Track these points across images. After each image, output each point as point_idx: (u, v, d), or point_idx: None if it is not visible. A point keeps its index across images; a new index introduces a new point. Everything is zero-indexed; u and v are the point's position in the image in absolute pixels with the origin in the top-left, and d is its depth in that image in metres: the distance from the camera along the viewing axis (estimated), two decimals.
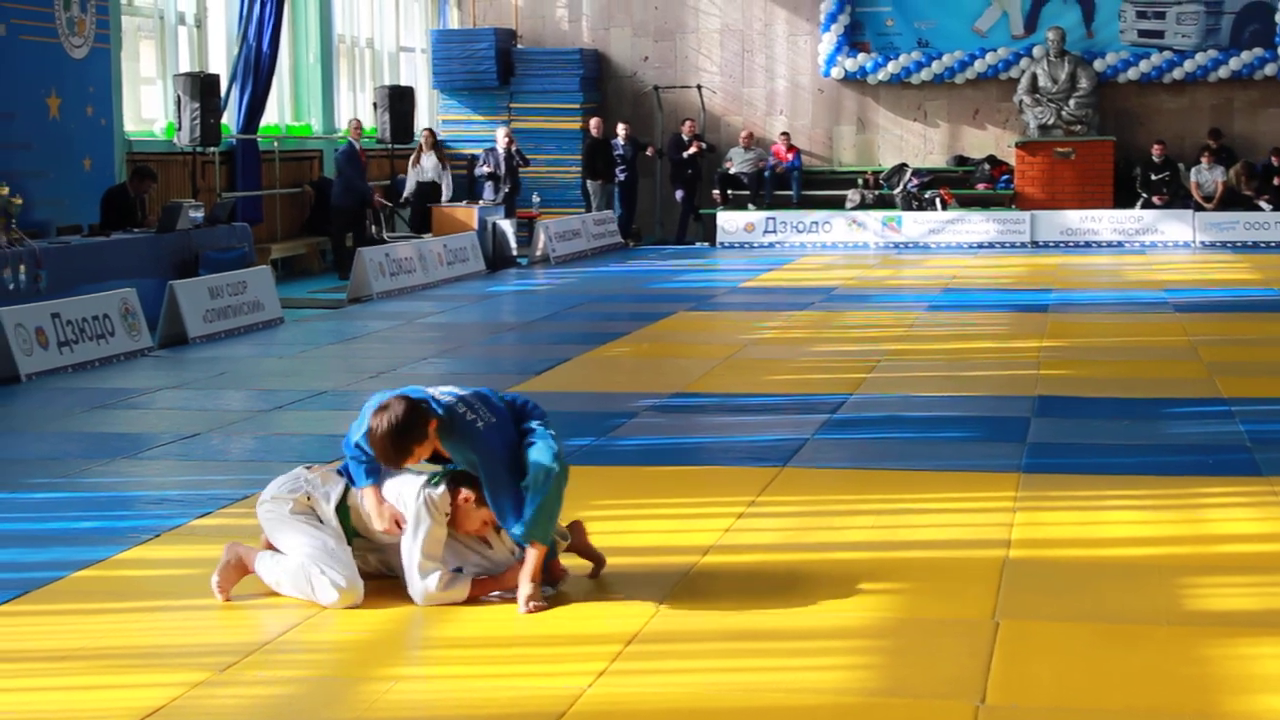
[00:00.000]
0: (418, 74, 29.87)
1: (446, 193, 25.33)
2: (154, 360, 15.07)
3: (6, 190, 15.35)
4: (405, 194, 25.58)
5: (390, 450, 6.80)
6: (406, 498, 6.92)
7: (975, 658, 6.20)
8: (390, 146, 25.32)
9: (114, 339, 14.86)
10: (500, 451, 6.85)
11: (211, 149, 21.50)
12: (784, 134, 29.38)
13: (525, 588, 6.85)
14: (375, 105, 25.76)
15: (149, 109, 22.10)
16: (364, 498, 7.00)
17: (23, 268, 15.24)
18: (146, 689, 5.95)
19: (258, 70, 22.91)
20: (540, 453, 6.88)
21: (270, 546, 7.16)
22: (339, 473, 7.16)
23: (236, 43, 22.95)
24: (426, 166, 25.21)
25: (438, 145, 25.78)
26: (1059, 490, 9.07)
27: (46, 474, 9.91)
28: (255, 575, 7.10)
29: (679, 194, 28.79)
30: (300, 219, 24.59)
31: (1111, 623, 6.68)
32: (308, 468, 7.27)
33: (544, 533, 6.87)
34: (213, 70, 22.26)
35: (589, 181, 28.27)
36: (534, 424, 7.06)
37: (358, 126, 23.65)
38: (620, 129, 28.31)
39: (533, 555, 6.88)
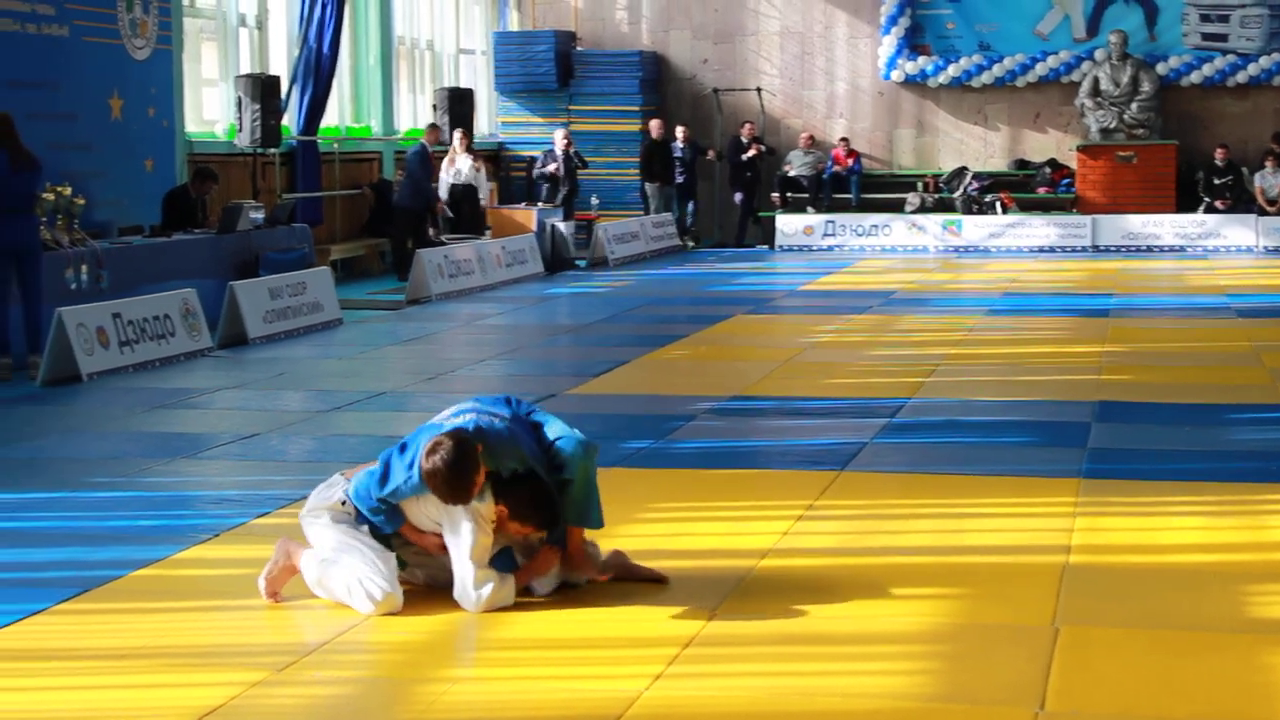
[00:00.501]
0: (477, 76, 29.93)
1: (484, 196, 24.67)
2: (214, 360, 15.14)
3: (69, 191, 15.44)
4: (443, 197, 25.04)
5: (455, 487, 6.69)
6: (443, 514, 6.89)
7: (1035, 664, 6.16)
8: (451, 148, 25.35)
9: (174, 339, 14.94)
10: (533, 446, 6.93)
11: (272, 150, 21.59)
12: (843, 139, 29.30)
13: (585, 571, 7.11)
14: (435, 107, 25.82)
15: (210, 110, 22.21)
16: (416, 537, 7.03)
17: (84, 268, 15.33)
18: (204, 688, 5.98)
19: (318, 72, 22.99)
20: (567, 442, 6.95)
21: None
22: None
23: (297, 44, 23.04)
24: (462, 169, 24.46)
25: (472, 147, 24.96)
26: (1120, 496, 9.01)
27: (107, 473, 9.97)
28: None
29: (738, 196, 28.76)
30: (360, 220, 24.66)
31: (1173, 629, 6.63)
32: (344, 473, 7.23)
33: (601, 515, 7.10)
34: (273, 72, 22.35)
35: (647, 184, 28.25)
36: (536, 414, 7.11)
37: (434, 129, 23.72)
38: (679, 131, 28.29)
39: (575, 537, 7.10)
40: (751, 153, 28.41)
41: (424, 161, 22.90)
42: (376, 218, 24.25)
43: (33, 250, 14.19)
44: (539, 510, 6.91)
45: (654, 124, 28.30)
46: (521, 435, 6.90)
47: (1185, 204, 27.98)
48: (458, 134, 24.41)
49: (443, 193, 24.13)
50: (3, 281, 13.98)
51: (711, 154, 28.85)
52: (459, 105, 25.64)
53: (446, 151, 24.16)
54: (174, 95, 19.62)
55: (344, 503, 7.04)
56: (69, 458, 10.56)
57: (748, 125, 28.83)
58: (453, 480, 6.66)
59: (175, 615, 6.98)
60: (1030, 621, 6.74)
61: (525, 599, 6.93)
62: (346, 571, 6.87)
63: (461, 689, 5.98)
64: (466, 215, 24.28)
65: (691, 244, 28.56)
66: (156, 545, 8.10)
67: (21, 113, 14.81)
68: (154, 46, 18.98)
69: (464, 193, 24.29)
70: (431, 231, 23.69)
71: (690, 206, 28.62)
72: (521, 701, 5.87)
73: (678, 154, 28.16)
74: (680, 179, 28.30)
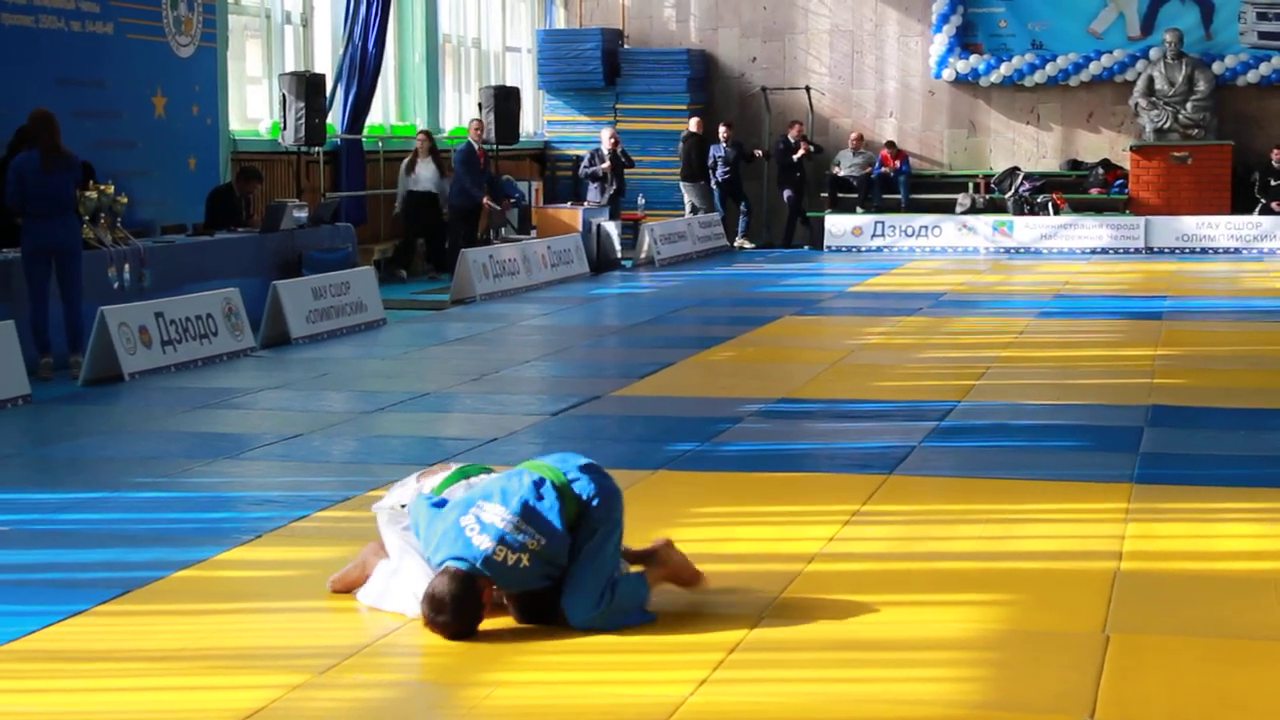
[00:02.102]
0: (523, 74, 29.97)
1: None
2: (256, 360, 15.20)
3: (112, 189, 15.52)
4: (396, 206, 23.34)
5: (459, 629, 6.47)
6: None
7: (1085, 672, 6.14)
8: (496, 147, 25.39)
9: (217, 339, 14.99)
10: (558, 549, 6.62)
11: (316, 149, 21.66)
12: (890, 142, 29.22)
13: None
14: (481, 106, 25.86)
15: (254, 108, 22.29)
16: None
17: (127, 267, 15.41)
18: (246, 690, 5.99)
19: (363, 70, 23.05)
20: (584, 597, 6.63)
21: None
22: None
23: (342, 42, 23.11)
24: (423, 175, 22.79)
25: (435, 151, 23.17)
26: (1173, 502, 8.97)
27: (148, 473, 10.01)
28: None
29: (786, 195, 28.75)
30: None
31: (1227, 638, 6.60)
32: (419, 477, 7.20)
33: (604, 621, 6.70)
34: (318, 70, 22.43)
35: (683, 183, 28.14)
36: (595, 534, 6.70)
37: (478, 127, 23.70)
38: (721, 130, 28.25)
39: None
40: (800, 153, 28.36)
41: (469, 160, 22.91)
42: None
43: (72, 251, 14.21)
44: (526, 614, 6.68)
45: (694, 121, 28.25)
46: (533, 576, 6.58)
47: (1241, 205, 27.84)
48: (419, 135, 23.14)
49: (398, 201, 23.16)
50: (41, 281, 14.04)
51: (760, 153, 28.77)
52: (505, 104, 25.67)
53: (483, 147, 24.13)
54: (218, 93, 19.70)
55: (404, 506, 7.04)
56: (110, 458, 10.61)
57: (796, 125, 28.79)
58: (454, 624, 6.45)
59: (216, 617, 7.00)
60: (1080, 629, 6.71)
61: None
62: (409, 579, 6.85)
63: (504, 693, 5.99)
64: (428, 226, 23.24)
65: (751, 245, 28.52)
66: (198, 546, 8.13)
67: (67, 110, 14.90)
68: (198, 44, 19.07)
69: (422, 200, 22.84)
70: (479, 233, 23.71)
71: (743, 206, 28.57)
72: (564, 707, 5.87)
73: (720, 153, 28.11)
74: (722, 178, 28.25)
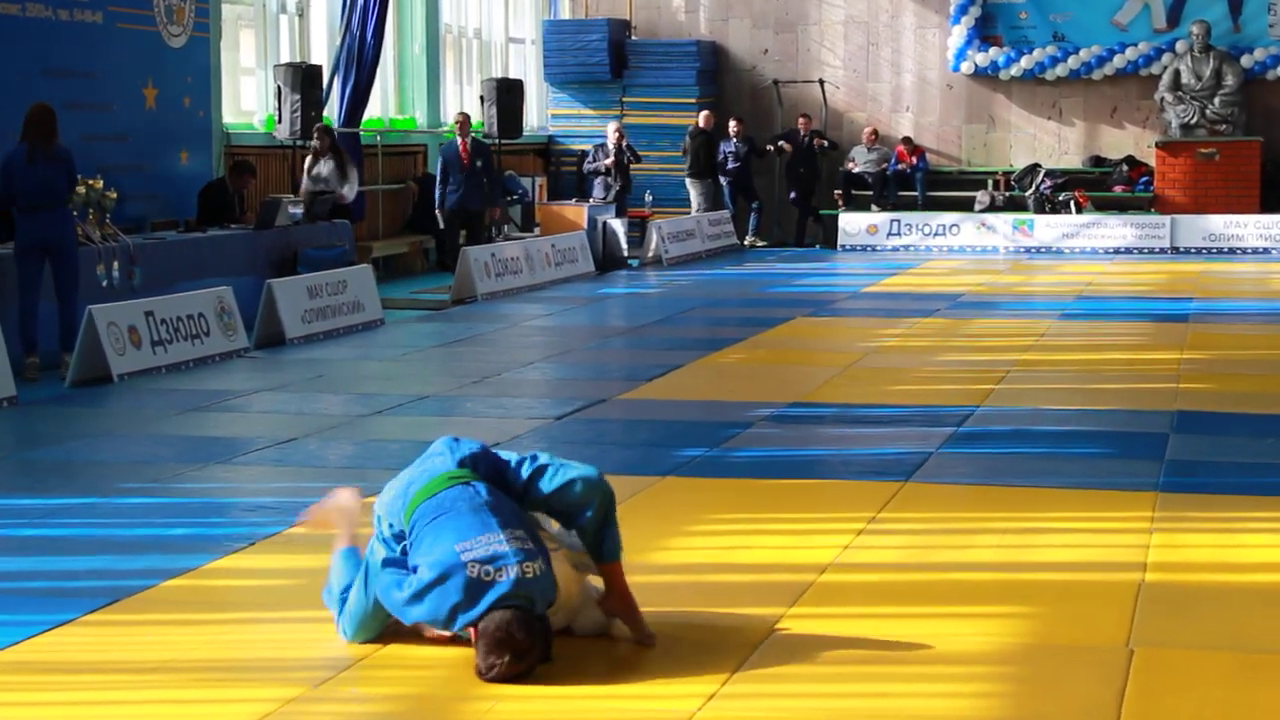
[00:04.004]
0: (527, 66, 29.98)
1: (350, 194, 20.97)
2: (250, 361, 15.21)
3: (101, 184, 15.54)
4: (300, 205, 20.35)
5: (542, 657, 6.29)
6: None
7: (1108, 687, 6.14)
8: (498, 142, 25.40)
9: (209, 339, 15.01)
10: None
11: (312, 143, 21.66)
12: (906, 138, 29.22)
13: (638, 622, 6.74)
14: (483, 99, 25.86)
15: (248, 100, 22.31)
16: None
17: (116, 264, 15.43)
18: (238, 704, 6.00)
19: (361, 61, 23.05)
20: (578, 484, 6.63)
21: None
22: None
23: (339, 32, 23.12)
24: (323, 172, 20.85)
25: (336, 147, 21.22)
26: (1199, 511, 8.97)
27: (138, 478, 10.02)
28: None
29: (792, 196, 28.74)
30: (403, 216, 24.73)
31: (1254, 652, 6.59)
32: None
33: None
34: (314, 61, 22.43)
35: (689, 179, 28.10)
36: (524, 465, 6.71)
37: (462, 121, 23.27)
38: (732, 125, 28.23)
39: (618, 574, 6.74)
40: (779, 147, 28.30)
41: (446, 159, 22.46)
42: (420, 214, 24.28)
43: (65, 246, 14.32)
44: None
45: (704, 115, 28.24)
46: (543, 544, 6.51)
47: (1270, 203, 27.82)
48: (316, 132, 21.08)
49: (301, 200, 20.70)
50: (31, 277, 14.10)
51: (787, 146, 28.58)
52: (507, 97, 25.66)
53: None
54: (211, 85, 19.72)
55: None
56: (99, 462, 10.62)
57: (803, 119, 28.76)
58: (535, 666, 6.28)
59: (208, 627, 7.00)
60: (1103, 642, 6.70)
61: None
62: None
63: (506, 707, 5.99)
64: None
65: (763, 244, 28.51)
66: (189, 554, 8.14)
67: (55, 102, 14.90)
68: (190, 34, 19.09)
69: (316, 200, 20.05)
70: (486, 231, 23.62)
71: (755, 205, 28.56)
72: (566, 718, 5.88)
73: (730, 149, 28.09)
74: (733, 175, 28.22)
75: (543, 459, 6.74)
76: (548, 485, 6.64)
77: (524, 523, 6.51)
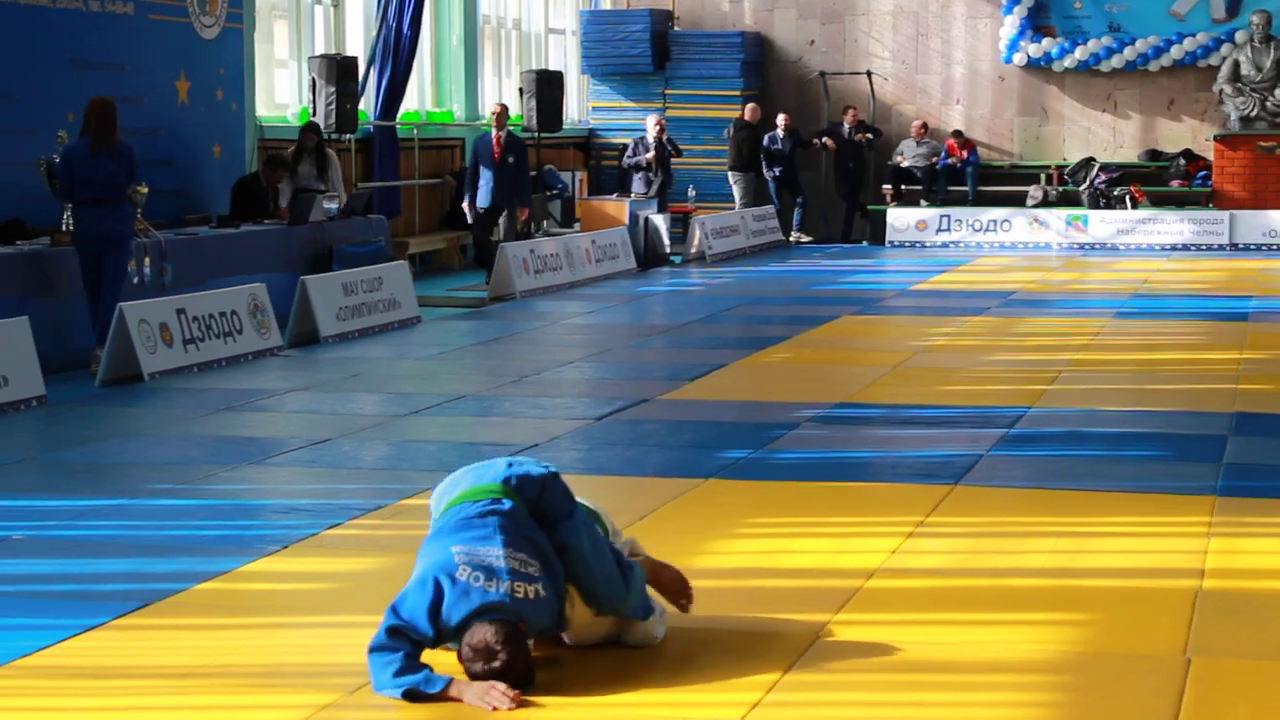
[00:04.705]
0: (567, 58, 30.01)
1: (332, 206, 19.71)
2: (283, 360, 15.25)
3: None
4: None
5: (519, 669, 6.22)
6: None
7: (1164, 697, 6.11)
8: (537, 136, 25.44)
9: (242, 337, 15.05)
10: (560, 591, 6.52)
11: (348, 136, 21.71)
12: (956, 131, 29.13)
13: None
14: (521, 91, 25.87)
15: (282, 93, 22.37)
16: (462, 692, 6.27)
17: (147, 260, 15.48)
18: (271, 710, 6.01)
19: (397, 53, 23.10)
20: (594, 581, 6.57)
21: None
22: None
23: (375, 23, 23.17)
24: (302, 172, 19.97)
25: (321, 148, 20.39)
26: (1258, 515, 8.92)
27: (169, 479, 10.05)
28: None
29: (841, 189, 28.71)
30: (440, 212, 24.77)
31: None
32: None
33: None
34: (350, 52, 22.50)
35: (732, 172, 28.06)
36: (567, 529, 6.60)
37: (499, 114, 23.01)
38: (780, 120, 28.18)
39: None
40: (823, 143, 28.28)
41: (475, 153, 21.97)
42: (458, 209, 24.30)
43: (122, 240, 14.63)
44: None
45: (750, 107, 28.18)
46: (548, 580, 6.44)
47: None
48: (303, 129, 20.50)
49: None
50: (94, 270, 14.45)
51: (831, 142, 28.55)
52: (547, 89, 25.66)
53: (517, 134, 23.86)
54: (244, 77, 19.77)
55: None
56: (129, 462, 10.66)
57: (850, 111, 28.71)
58: (519, 677, 6.22)
59: (240, 632, 7.02)
60: (1159, 651, 6.68)
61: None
62: None
63: (546, 715, 5.99)
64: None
65: (808, 239, 28.47)
66: (222, 557, 8.16)
67: (84, 95, 14.98)
68: (223, 25, 19.14)
69: (299, 199, 19.04)
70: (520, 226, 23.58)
71: (800, 200, 28.52)
72: None
73: (776, 145, 28.03)
74: (778, 170, 28.18)
75: (584, 543, 6.59)
76: (572, 570, 6.57)
77: (537, 553, 6.43)
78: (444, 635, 6.25)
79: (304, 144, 20.20)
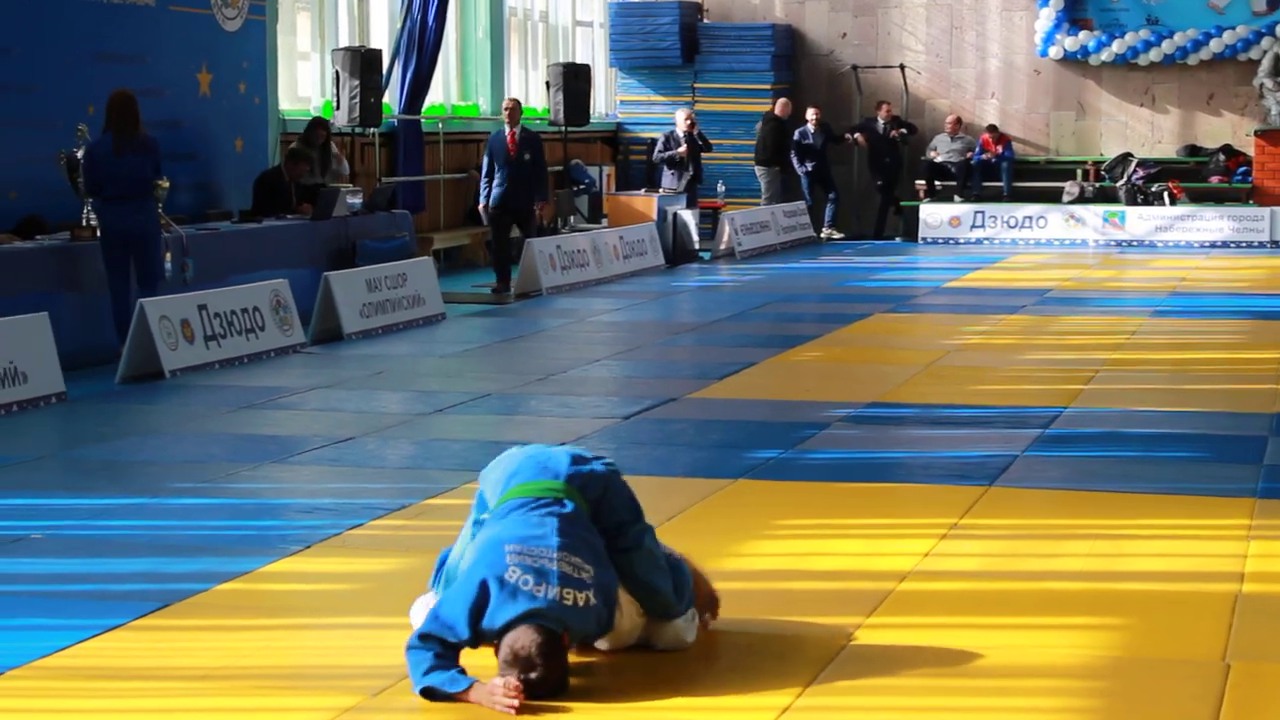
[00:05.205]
0: (595, 51, 30.01)
1: (356, 201, 19.51)
2: (306, 357, 15.26)
3: None
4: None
5: (555, 681, 6.19)
6: None
7: (1203, 703, 6.09)
8: (564, 130, 25.43)
9: (264, 333, 15.07)
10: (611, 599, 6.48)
11: (371, 130, 21.74)
12: (991, 126, 29.08)
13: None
14: (548, 84, 25.88)
15: (305, 86, 22.39)
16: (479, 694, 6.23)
17: (168, 256, 15.49)
18: (293, 713, 6.01)
19: (422, 45, 23.11)
20: (651, 582, 6.59)
21: None
22: None
23: (400, 15, 23.19)
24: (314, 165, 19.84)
25: (328, 144, 20.45)
26: None
27: (190, 478, 10.06)
28: None
29: (878, 183, 28.67)
30: (465, 207, 24.78)
31: None
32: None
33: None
34: (374, 45, 22.50)
35: (758, 167, 28.00)
36: (634, 534, 6.62)
37: (510, 109, 22.21)
38: (810, 114, 28.14)
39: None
40: (854, 139, 28.24)
41: (490, 150, 21.24)
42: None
43: (148, 237, 14.70)
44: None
45: (781, 101, 28.13)
46: (599, 588, 6.38)
47: None
48: (310, 124, 20.49)
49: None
50: (120, 267, 14.52)
51: (860, 138, 28.53)
52: (574, 82, 25.66)
53: (544, 128, 23.84)
54: (267, 70, 19.79)
55: None
56: (149, 461, 10.68)
57: (884, 105, 28.68)
58: (555, 682, 6.20)
59: (262, 633, 7.03)
60: (1198, 656, 6.66)
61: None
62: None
63: (573, 719, 5.98)
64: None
65: (840, 236, 28.44)
66: (243, 557, 8.17)
67: (104, 88, 15.02)
68: (245, 17, 19.16)
69: (307, 193, 18.95)
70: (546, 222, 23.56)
71: (831, 195, 28.48)
72: None
73: (808, 140, 27.99)
74: (810, 165, 28.13)
75: (653, 545, 6.63)
76: (635, 571, 6.54)
77: (593, 558, 6.38)
78: (484, 637, 6.21)
79: (312, 140, 20.06)
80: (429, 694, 6.11)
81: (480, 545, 6.41)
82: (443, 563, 6.82)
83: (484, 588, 6.19)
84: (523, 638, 6.12)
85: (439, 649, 6.18)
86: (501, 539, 6.33)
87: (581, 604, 6.23)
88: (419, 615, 6.70)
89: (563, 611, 6.18)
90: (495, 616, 6.17)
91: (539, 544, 6.29)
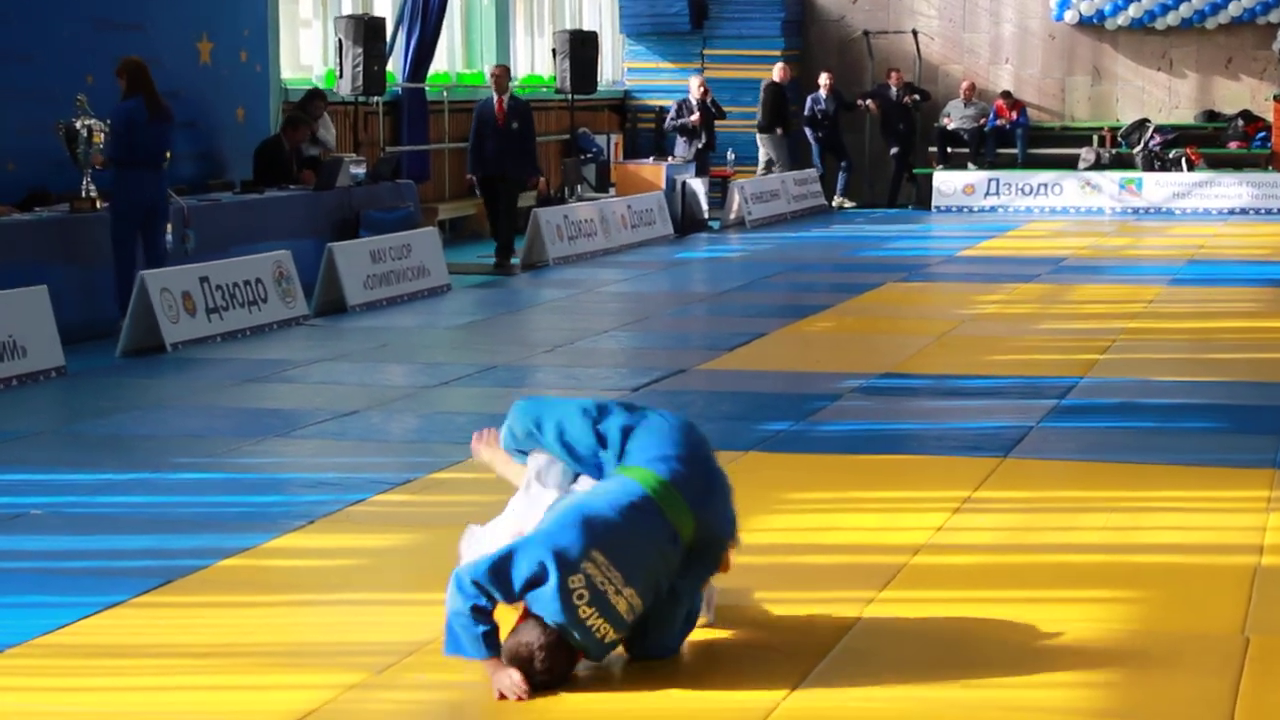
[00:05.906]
0: (602, 17, 29.93)
1: (359, 171, 19.28)
2: (309, 329, 15.26)
3: None
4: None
5: (551, 679, 6.08)
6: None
7: (1221, 677, 6.08)
8: (571, 98, 25.39)
9: (267, 306, 15.07)
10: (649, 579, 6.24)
11: (375, 99, 21.69)
12: (1005, 92, 29.00)
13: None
14: (555, 51, 25.81)
15: (307, 54, 22.36)
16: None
17: (169, 227, 15.49)
18: (297, 690, 6.02)
19: (426, 12, 23.06)
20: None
21: None
22: None
23: None
24: (328, 138, 20.07)
25: (323, 115, 20.20)
26: None
27: (192, 453, 10.06)
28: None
29: (893, 150, 28.60)
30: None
31: None
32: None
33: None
34: (377, 12, 22.46)
35: (760, 134, 27.88)
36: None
37: (497, 75, 21.71)
38: (823, 79, 28.08)
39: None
40: (866, 106, 28.17)
41: (477, 119, 21.07)
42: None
43: (160, 209, 14.84)
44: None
45: (778, 67, 27.98)
46: (638, 615, 6.20)
47: None
48: (309, 94, 20.26)
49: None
50: (129, 238, 14.64)
51: (872, 105, 28.45)
52: (581, 49, 25.58)
53: (550, 96, 23.76)
54: (268, 38, 19.75)
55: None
56: (150, 435, 10.68)
57: (895, 72, 28.60)
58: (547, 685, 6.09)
59: (265, 610, 7.04)
60: (1217, 630, 6.66)
61: None
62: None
63: (580, 696, 5.98)
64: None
65: (852, 204, 28.40)
66: (246, 533, 8.17)
67: (104, 57, 15.03)
68: None
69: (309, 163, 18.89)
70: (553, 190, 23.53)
71: (844, 164, 28.43)
72: (647, 710, 5.86)
73: (820, 106, 27.94)
74: (822, 133, 28.08)
75: (680, 607, 6.38)
76: (668, 599, 6.29)
77: (654, 598, 6.18)
78: (512, 600, 6.06)
79: (313, 113, 19.82)
80: (453, 642, 6.03)
81: (577, 513, 6.16)
82: (533, 419, 6.71)
83: (544, 570, 5.99)
84: (528, 631, 6.02)
85: (484, 602, 6.01)
86: (596, 536, 6.07)
87: (609, 640, 6.11)
88: (470, 549, 6.55)
89: (588, 639, 6.05)
90: (533, 603, 6.03)
91: (620, 567, 6.07)
